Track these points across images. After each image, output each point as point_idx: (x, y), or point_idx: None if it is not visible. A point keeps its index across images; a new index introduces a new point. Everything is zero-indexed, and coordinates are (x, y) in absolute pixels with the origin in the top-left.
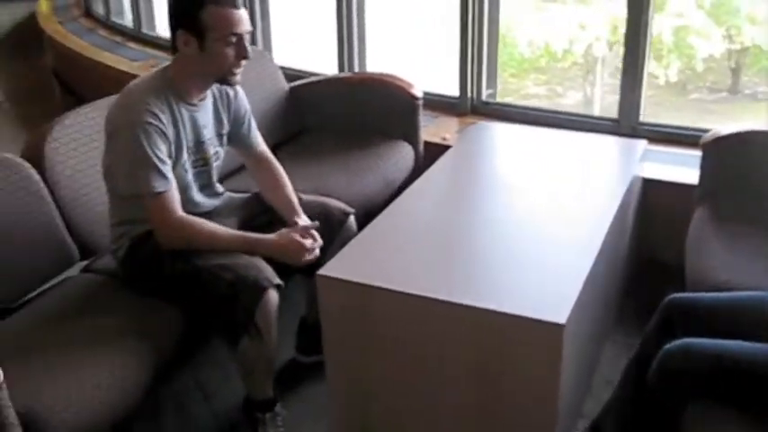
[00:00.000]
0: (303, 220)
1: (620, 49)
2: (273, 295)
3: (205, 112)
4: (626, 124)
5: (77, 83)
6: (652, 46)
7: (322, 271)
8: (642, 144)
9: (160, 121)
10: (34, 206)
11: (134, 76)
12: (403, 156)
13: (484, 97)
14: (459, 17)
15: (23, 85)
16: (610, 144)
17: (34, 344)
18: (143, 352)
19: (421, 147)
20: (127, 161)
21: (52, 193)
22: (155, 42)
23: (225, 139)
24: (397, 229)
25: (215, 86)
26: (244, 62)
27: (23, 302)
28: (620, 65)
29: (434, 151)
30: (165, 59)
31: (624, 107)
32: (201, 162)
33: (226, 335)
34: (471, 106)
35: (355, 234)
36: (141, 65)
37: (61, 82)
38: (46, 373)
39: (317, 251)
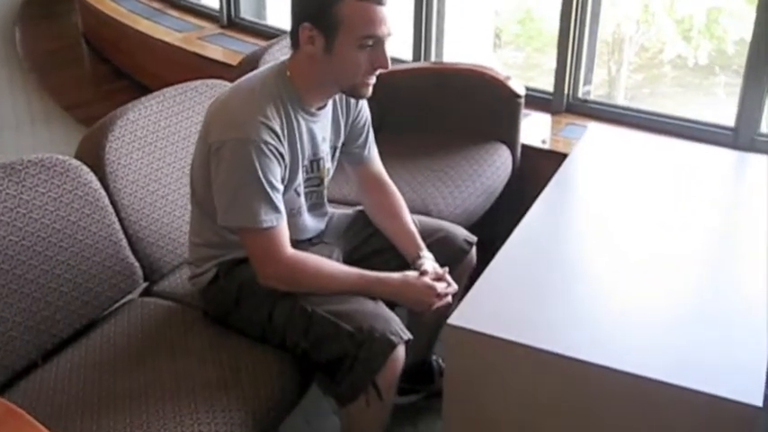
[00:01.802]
0: (426, 255)
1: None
2: (402, 352)
3: (324, 123)
4: (745, 135)
5: (111, 51)
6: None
7: (452, 320)
8: None
9: (277, 138)
10: (93, 218)
11: (177, 49)
12: (503, 161)
13: (580, 94)
14: (562, 3)
15: (49, 49)
16: (747, 161)
17: (99, 396)
18: (238, 414)
19: (519, 151)
20: (232, 187)
21: (113, 202)
22: (198, 11)
23: (338, 152)
24: (527, 265)
25: None
26: (378, 72)
27: (78, 334)
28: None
29: (531, 156)
30: (210, 31)
31: (744, 116)
32: (317, 181)
33: (332, 391)
34: (567, 104)
35: (474, 265)
36: (186, 36)
37: (92, 48)
38: None
39: (450, 297)
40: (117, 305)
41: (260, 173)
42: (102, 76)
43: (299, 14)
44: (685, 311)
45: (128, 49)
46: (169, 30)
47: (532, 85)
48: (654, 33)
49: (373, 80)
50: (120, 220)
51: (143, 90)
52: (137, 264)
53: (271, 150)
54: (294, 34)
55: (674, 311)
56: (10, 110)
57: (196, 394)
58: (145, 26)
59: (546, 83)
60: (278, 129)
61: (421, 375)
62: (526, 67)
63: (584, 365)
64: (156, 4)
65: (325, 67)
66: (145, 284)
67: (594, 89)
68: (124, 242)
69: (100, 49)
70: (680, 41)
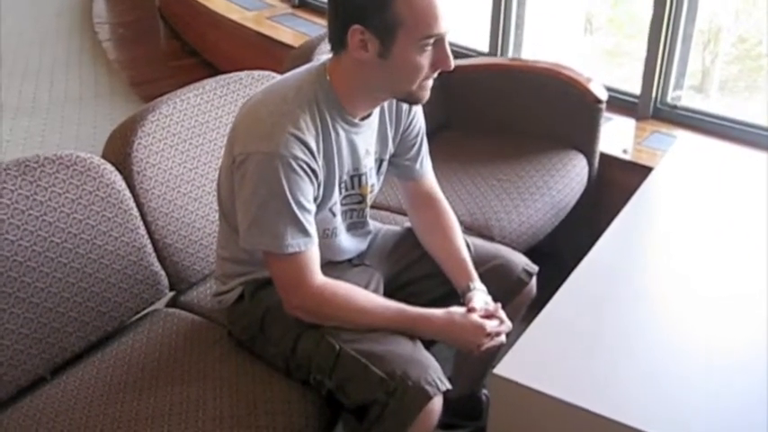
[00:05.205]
0: (478, 287)
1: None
2: (438, 404)
3: (368, 134)
4: None
5: (183, 27)
6: None
7: (498, 370)
8: None
9: (310, 153)
10: (115, 221)
11: (245, 28)
12: (577, 172)
13: (669, 99)
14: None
15: (124, 21)
16: None
17: (104, 422)
18: None
19: (596, 161)
20: (255, 206)
21: (139, 204)
22: None
23: (385, 165)
24: (593, 306)
25: None
26: (437, 73)
27: (92, 348)
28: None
29: (609, 166)
30: (282, 11)
31: None
32: (357, 199)
33: None
34: (654, 108)
35: (533, 296)
36: (255, 15)
37: (167, 24)
38: None
39: (503, 337)
40: (139, 315)
41: (287, 191)
42: (172, 52)
43: (345, 14)
44: None
45: (198, 26)
46: (240, 8)
47: (621, 71)
48: (753, 24)
49: (431, 83)
50: (146, 225)
51: (211, 69)
52: (162, 272)
53: (301, 166)
54: (338, 36)
55: None
56: (77, 81)
57: (205, 429)
58: (216, 3)
59: (635, 69)
60: (311, 142)
61: (468, 410)
62: (617, 53)
63: None
64: None
65: (378, 74)
66: (171, 294)
67: (686, 80)
68: (149, 248)
69: (173, 25)
70: None
